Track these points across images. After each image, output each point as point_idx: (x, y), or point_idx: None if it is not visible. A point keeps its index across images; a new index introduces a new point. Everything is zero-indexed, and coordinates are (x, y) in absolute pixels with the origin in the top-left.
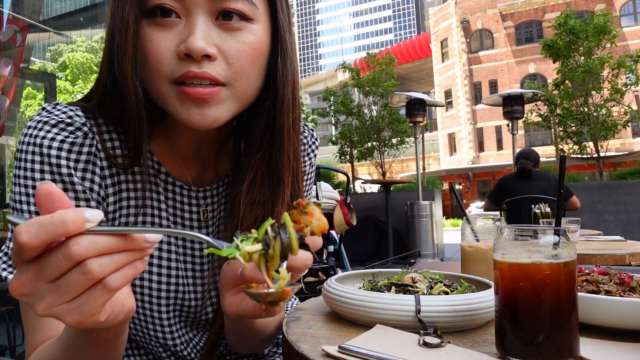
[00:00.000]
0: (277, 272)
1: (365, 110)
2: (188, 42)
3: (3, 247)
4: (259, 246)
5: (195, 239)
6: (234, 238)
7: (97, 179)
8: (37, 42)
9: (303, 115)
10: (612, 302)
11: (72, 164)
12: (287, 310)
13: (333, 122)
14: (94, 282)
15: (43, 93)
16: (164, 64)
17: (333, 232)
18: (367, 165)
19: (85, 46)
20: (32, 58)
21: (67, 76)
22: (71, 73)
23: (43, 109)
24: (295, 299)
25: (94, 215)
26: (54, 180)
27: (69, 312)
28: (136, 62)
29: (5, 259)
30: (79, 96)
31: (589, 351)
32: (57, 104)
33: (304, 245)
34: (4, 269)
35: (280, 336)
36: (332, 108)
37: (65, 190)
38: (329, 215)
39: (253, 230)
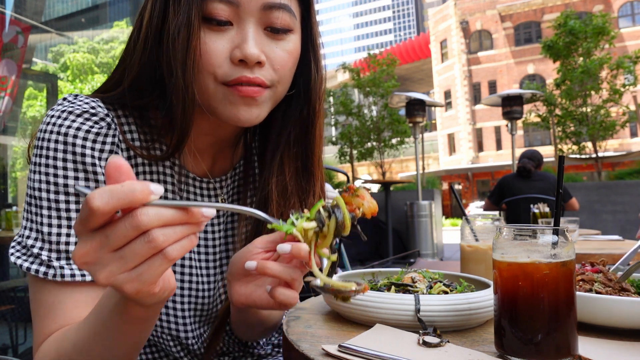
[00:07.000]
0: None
1: (366, 111)
2: (244, 49)
3: (16, 237)
4: (313, 224)
5: (252, 215)
6: (290, 216)
7: None
8: (39, 43)
9: None
10: (610, 302)
11: (96, 154)
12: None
13: (332, 122)
14: (156, 251)
15: (45, 93)
16: (216, 66)
17: None
18: (367, 165)
19: (86, 47)
20: (34, 59)
21: (69, 77)
22: (72, 74)
23: (64, 99)
24: None
25: (157, 188)
26: (76, 170)
27: (129, 280)
28: (195, 67)
29: (19, 247)
30: None
31: (588, 350)
32: (77, 95)
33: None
34: (18, 257)
35: (281, 336)
36: (332, 109)
37: (87, 180)
38: None
39: (305, 210)
